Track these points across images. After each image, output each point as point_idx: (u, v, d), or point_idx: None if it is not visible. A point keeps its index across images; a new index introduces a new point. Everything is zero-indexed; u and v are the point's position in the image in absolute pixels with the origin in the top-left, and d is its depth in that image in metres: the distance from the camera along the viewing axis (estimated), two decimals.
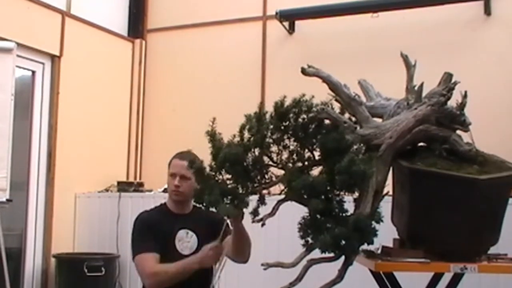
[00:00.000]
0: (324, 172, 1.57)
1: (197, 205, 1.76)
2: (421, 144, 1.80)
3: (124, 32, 4.85)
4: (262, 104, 1.61)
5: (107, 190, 4.34)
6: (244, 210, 1.57)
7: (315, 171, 1.61)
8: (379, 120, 1.81)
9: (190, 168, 1.63)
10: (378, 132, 1.70)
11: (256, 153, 1.58)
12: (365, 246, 1.60)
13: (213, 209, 1.56)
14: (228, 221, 1.93)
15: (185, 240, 2.15)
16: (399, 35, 4.00)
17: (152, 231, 2.14)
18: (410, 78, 1.88)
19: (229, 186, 1.56)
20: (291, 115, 1.60)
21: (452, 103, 1.77)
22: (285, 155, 1.61)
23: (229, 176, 1.56)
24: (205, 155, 1.64)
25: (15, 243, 3.88)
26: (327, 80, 1.73)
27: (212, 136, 1.59)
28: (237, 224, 1.92)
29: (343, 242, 1.48)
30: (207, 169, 1.57)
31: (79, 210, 4.24)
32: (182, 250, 2.15)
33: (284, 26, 4.37)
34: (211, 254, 1.99)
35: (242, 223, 1.92)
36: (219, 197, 1.51)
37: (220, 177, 1.57)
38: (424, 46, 3.82)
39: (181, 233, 2.16)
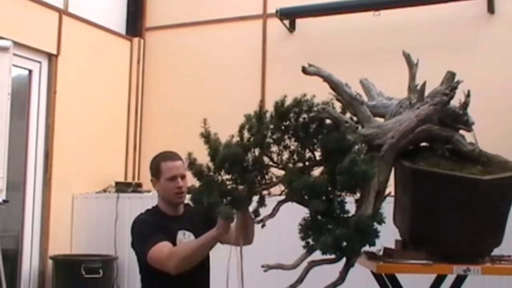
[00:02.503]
0: (325, 172, 1.55)
1: (189, 203, 1.73)
2: (423, 144, 1.78)
3: (122, 31, 4.82)
4: (262, 103, 1.59)
5: (105, 190, 4.30)
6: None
7: (316, 171, 1.59)
8: (381, 119, 1.80)
9: (189, 169, 1.60)
10: (380, 132, 1.69)
11: (256, 153, 1.56)
12: (366, 248, 1.59)
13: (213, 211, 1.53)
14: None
15: (184, 241, 2.13)
16: (401, 34, 3.97)
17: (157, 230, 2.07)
18: (412, 77, 1.87)
19: (229, 186, 1.54)
20: (291, 114, 1.59)
21: (455, 102, 1.75)
22: (285, 155, 1.59)
23: (228, 177, 1.54)
24: (204, 155, 1.62)
25: (12, 245, 3.85)
26: (328, 79, 1.71)
27: (207, 137, 1.56)
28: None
29: (344, 243, 1.47)
30: (206, 169, 1.55)
31: (77, 211, 4.21)
32: None
33: (284, 24, 4.35)
34: (223, 225, 1.83)
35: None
36: (218, 199, 1.49)
37: (219, 177, 1.55)
38: (427, 45, 3.80)
39: (180, 234, 2.14)
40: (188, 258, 1.93)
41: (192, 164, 1.59)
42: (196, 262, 1.95)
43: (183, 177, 2.12)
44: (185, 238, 2.13)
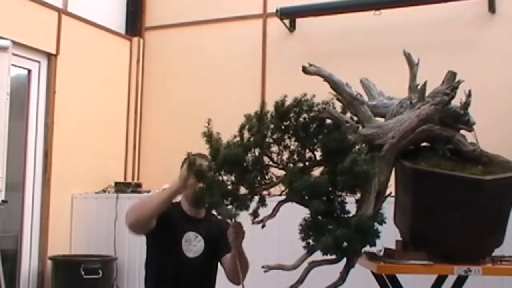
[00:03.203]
0: (325, 172, 1.55)
1: (211, 211, 1.73)
2: (424, 144, 1.77)
3: (122, 30, 4.81)
4: (263, 104, 1.58)
5: (104, 191, 4.29)
6: (244, 213, 1.54)
7: (317, 171, 1.59)
8: (381, 119, 1.79)
9: (189, 170, 1.60)
10: (380, 132, 1.68)
11: (256, 153, 1.55)
12: (367, 248, 1.58)
13: (214, 211, 1.53)
14: (230, 239, 1.88)
15: (192, 243, 2.11)
16: (402, 33, 3.96)
17: (165, 219, 2.04)
18: (413, 77, 1.86)
19: (229, 187, 1.53)
20: (292, 114, 1.58)
21: (456, 102, 1.74)
22: (285, 155, 1.59)
23: (229, 177, 1.53)
24: None
25: (11, 245, 3.84)
26: (328, 79, 1.70)
27: (209, 136, 1.56)
28: (238, 243, 1.88)
29: (345, 244, 1.47)
30: (207, 170, 1.55)
31: (76, 211, 4.20)
32: (187, 251, 2.10)
33: (284, 24, 4.34)
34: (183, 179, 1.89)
35: (242, 245, 1.90)
36: (220, 199, 1.48)
37: (220, 178, 1.54)
38: (427, 45, 3.79)
39: (190, 235, 2.12)
40: (145, 203, 2.01)
41: (193, 163, 1.58)
42: (152, 209, 1.97)
43: None
44: (195, 240, 2.11)
